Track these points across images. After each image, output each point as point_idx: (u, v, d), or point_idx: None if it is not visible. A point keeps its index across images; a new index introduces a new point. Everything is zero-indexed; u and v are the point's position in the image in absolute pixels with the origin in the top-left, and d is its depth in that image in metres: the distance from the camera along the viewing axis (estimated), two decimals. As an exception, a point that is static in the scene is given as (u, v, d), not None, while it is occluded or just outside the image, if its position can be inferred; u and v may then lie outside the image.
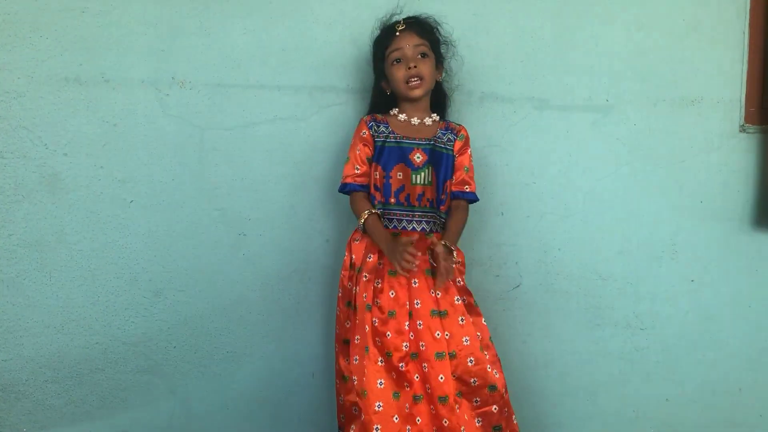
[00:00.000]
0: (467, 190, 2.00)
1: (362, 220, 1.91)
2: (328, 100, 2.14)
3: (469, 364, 1.87)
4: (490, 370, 1.90)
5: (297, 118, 2.14)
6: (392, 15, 2.01)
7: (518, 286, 2.25)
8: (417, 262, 1.79)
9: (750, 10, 2.23)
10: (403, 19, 1.97)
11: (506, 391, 1.94)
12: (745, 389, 2.30)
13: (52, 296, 2.04)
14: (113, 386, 2.10)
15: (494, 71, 2.20)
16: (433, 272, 1.89)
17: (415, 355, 1.85)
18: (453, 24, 2.14)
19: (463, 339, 1.87)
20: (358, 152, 1.95)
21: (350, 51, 2.12)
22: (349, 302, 1.94)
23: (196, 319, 2.13)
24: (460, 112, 2.19)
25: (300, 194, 2.14)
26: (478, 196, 2.19)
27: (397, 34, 1.93)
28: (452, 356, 1.86)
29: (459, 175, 1.99)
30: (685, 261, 2.27)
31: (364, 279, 1.90)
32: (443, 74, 2.06)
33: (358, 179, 1.94)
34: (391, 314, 1.85)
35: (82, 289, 2.06)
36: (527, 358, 2.26)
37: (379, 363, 1.84)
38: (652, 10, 2.22)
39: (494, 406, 1.91)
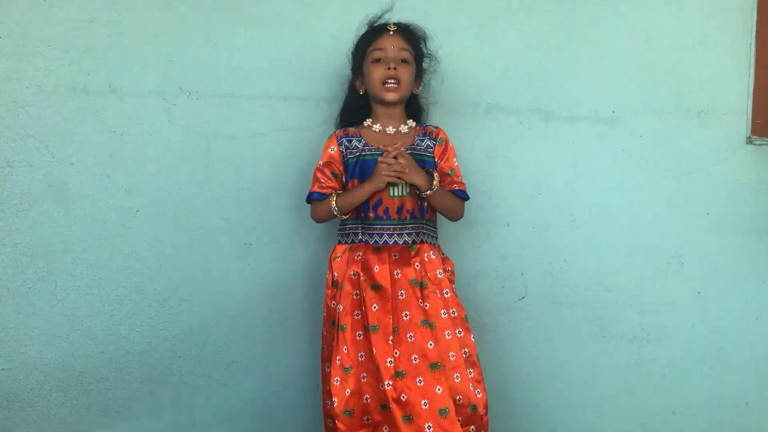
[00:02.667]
0: (456, 188, 1.95)
1: (333, 203, 1.87)
2: (334, 110, 2.13)
3: (456, 380, 1.81)
4: (472, 389, 1.82)
5: (303, 129, 2.14)
6: (381, 15, 1.97)
7: (524, 297, 2.24)
8: (397, 151, 1.81)
9: (757, 22, 2.23)
10: (395, 23, 1.93)
11: (486, 413, 1.86)
12: (753, 402, 2.28)
13: (57, 305, 2.04)
14: (118, 395, 2.09)
15: (500, 83, 2.20)
16: (421, 283, 1.86)
17: (400, 374, 1.78)
18: (459, 36, 2.15)
19: (450, 354, 1.82)
20: (321, 167, 1.92)
21: (357, 62, 2.13)
22: (334, 321, 1.89)
23: (202, 328, 2.13)
24: (466, 123, 2.19)
25: (306, 205, 2.13)
26: (484, 207, 2.20)
27: (386, 34, 1.90)
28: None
29: (445, 179, 1.94)
30: (691, 273, 2.26)
31: (355, 296, 1.85)
32: (420, 88, 2.02)
33: (324, 189, 1.91)
34: (374, 329, 1.81)
35: (88, 298, 2.06)
36: (533, 370, 2.25)
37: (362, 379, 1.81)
38: (658, 22, 2.23)
39: (472, 427, 1.82)
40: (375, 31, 1.93)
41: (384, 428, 1.81)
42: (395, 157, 1.83)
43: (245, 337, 2.15)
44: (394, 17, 1.97)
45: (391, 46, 1.88)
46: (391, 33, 1.90)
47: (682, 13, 2.23)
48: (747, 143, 2.25)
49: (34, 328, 2.04)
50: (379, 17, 1.97)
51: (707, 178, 2.25)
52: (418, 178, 1.85)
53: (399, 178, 1.83)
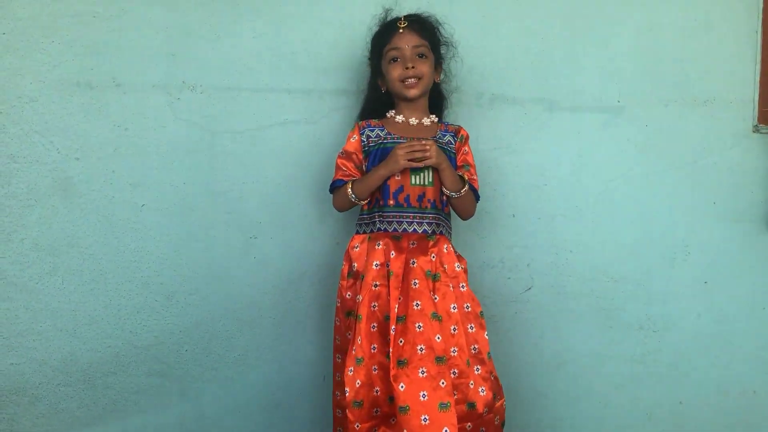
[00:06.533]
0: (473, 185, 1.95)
1: (350, 189, 1.87)
2: (339, 103, 2.14)
3: (452, 375, 1.79)
4: (472, 386, 1.81)
5: (307, 121, 2.14)
6: (389, 10, 1.97)
7: (530, 288, 2.24)
8: (421, 144, 1.80)
9: (762, 9, 2.22)
10: (405, 17, 1.92)
11: (490, 411, 1.83)
12: (759, 391, 2.28)
13: (64, 300, 2.05)
14: (125, 389, 2.10)
15: (504, 73, 2.20)
16: (434, 275, 1.85)
17: (402, 363, 1.77)
18: (462, 26, 2.14)
19: (452, 349, 1.81)
20: (343, 156, 1.94)
21: (360, 54, 2.12)
22: (350, 312, 1.89)
23: (208, 322, 2.14)
24: (470, 113, 2.19)
25: (310, 197, 2.14)
26: (489, 198, 2.20)
27: (398, 32, 1.89)
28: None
29: (462, 172, 1.94)
30: (697, 262, 2.25)
31: (374, 287, 1.84)
32: (441, 76, 2.02)
33: (347, 177, 1.92)
34: (387, 319, 1.81)
35: (95, 293, 2.06)
36: (539, 361, 2.25)
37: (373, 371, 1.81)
38: (663, 10, 2.21)
39: (468, 424, 1.80)
40: (387, 30, 1.92)
41: (392, 420, 1.81)
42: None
43: (251, 330, 2.16)
44: (397, 9, 1.97)
45: (406, 45, 1.88)
46: (403, 30, 1.89)
47: (687, 0, 2.21)
48: (753, 132, 2.23)
49: (41, 323, 2.04)
50: (386, 14, 1.97)
51: (713, 167, 2.24)
52: (445, 163, 1.84)
53: (421, 161, 1.81)
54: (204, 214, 2.11)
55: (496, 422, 1.86)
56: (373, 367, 1.81)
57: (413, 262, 1.84)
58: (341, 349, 1.91)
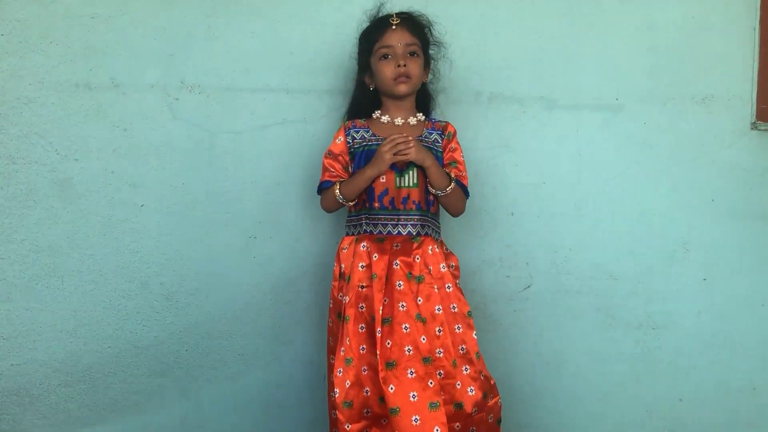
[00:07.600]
0: (461, 182, 1.94)
1: (337, 191, 1.87)
2: (337, 102, 2.14)
3: (438, 376, 1.79)
4: (459, 386, 1.80)
5: (306, 121, 2.14)
6: (382, 4, 1.97)
7: (529, 286, 2.24)
8: (403, 137, 1.80)
9: (760, 6, 2.21)
10: (396, 14, 1.90)
11: (481, 411, 1.82)
12: (759, 388, 2.28)
13: (64, 301, 2.05)
14: (125, 390, 2.11)
15: (503, 71, 2.19)
16: (417, 277, 1.85)
17: (391, 365, 1.76)
18: (461, 24, 2.14)
19: (437, 350, 1.81)
20: (329, 157, 1.93)
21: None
22: (340, 313, 1.89)
23: (208, 322, 2.14)
24: (469, 112, 2.19)
25: (310, 196, 2.14)
26: (488, 196, 2.20)
27: (389, 29, 1.88)
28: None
29: (449, 170, 1.92)
30: (697, 260, 2.25)
31: (360, 289, 1.84)
32: (430, 76, 2.02)
33: (333, 178, 1.92)
34: (373, 320, 1.81)
35: (94, 294, 2.07)
36: (539, 359, 2.25)
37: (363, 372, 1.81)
38: (661, 7, 2.21)
39: (456, 424, 1.80)
40: (379, 26, 1.91)
41: (383, 421, 1.81)
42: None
43: (251, 329, 2.16)
44: (395, 8, 1.96)
45: (398, 42, 1.86)
46: (395, 27, 1.88)
47: (685, -2, 2.22)
48: (752, 129, 2.23)
49: (42, 323, 2.05)
50: (378, 10, 1.96)
51: (712, 165, 2.24)
52: (428, 160, 1.84)
53: (405, 156, 1.81)
54: (203, 214, 2.11)
55: (489, 420, 1.86)
56: (362, 368, 1.81)
57: (396, 264, 1.84)
58: (334, 350, 1.90)
